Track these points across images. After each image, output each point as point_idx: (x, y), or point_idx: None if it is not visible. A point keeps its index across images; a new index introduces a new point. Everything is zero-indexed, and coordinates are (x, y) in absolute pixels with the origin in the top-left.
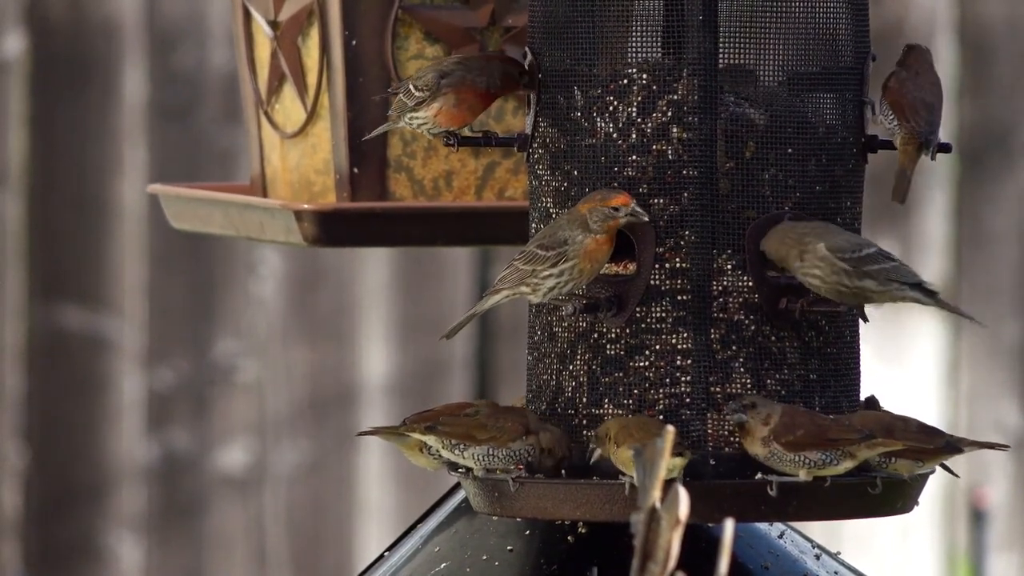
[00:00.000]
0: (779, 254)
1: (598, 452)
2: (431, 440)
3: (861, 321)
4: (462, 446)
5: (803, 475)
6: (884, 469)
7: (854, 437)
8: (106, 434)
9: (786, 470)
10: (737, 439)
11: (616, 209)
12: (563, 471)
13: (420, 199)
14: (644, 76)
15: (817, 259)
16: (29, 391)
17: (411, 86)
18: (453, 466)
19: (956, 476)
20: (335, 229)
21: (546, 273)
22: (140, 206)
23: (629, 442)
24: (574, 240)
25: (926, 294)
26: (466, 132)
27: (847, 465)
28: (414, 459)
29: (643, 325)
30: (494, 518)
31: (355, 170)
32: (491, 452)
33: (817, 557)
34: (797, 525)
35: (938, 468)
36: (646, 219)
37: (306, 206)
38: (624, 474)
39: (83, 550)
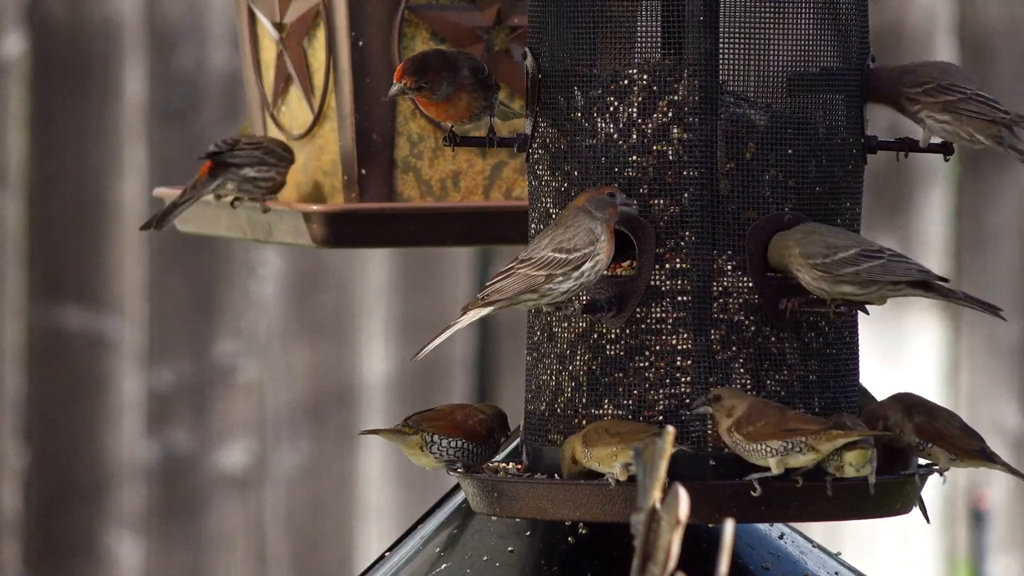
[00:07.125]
0: (779, 264)
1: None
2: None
3: (860, 320)
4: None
5: (774, 467)
6: (922, 453)
7: (813, 428)
8: (106, 434)
9: (756, 462)
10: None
11: (612, 196)
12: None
13: (428, 199)
14: (644, 76)
15: (798, 265)
16: (29, 391)
17: None
18: (452, 466)
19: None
20: (344, 230)
21: (563, 277)
22: (140, 206)
23: (604, 440)
24: (599, 238)
25: (925, 288)
26: (474, 131)
27: (811, 457)
28: (415, 458)
29: (643, 326)
30: (494, 519)
31: (363, 171)
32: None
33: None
34: (798, 526)
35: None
36: (634, 209)
37: (315, 207)
38: (605, 473)
39: (83, 550)
